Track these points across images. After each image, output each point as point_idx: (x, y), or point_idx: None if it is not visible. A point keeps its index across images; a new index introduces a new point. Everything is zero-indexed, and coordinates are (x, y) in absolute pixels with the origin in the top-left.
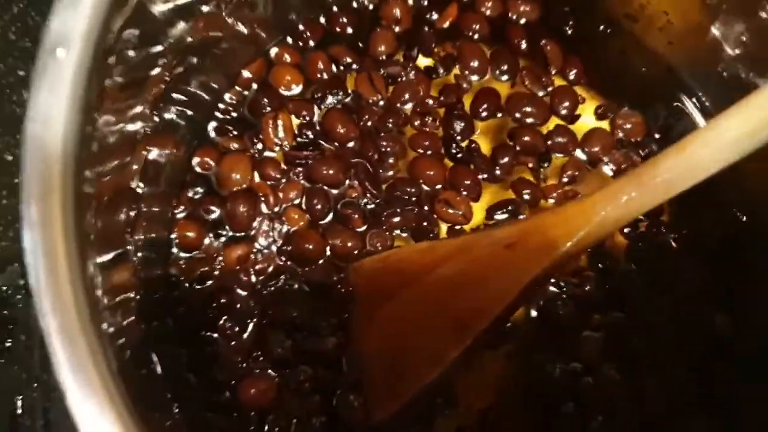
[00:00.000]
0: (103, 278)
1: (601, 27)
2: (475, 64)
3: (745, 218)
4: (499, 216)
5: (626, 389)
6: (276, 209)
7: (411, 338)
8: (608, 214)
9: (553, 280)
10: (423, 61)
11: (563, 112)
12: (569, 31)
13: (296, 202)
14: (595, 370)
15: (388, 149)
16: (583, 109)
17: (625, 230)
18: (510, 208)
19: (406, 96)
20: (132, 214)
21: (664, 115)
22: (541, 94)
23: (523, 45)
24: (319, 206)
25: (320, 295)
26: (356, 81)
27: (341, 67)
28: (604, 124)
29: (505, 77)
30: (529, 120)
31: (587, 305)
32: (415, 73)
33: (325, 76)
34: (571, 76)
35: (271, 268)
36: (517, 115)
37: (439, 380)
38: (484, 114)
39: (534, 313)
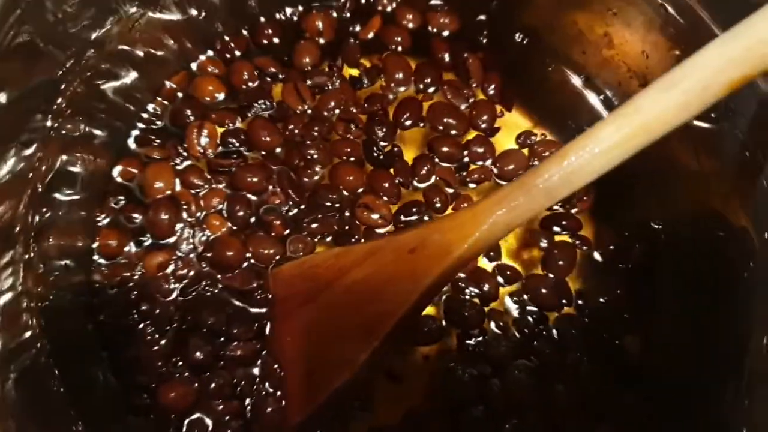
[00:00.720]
0: None
1: (518, 37)
2: (400, 75)
3: (663, 233)
4: (406, 219)
5: (536, 393)
6: (198, 216)
7: (324, 342)
8: (497, 219)
9: (462, 285)
10: (349, 71)
11: (482, 125)
12: (484, 41)
13: (218, 209)
14: (503, 373)
15: (314, 156)
16: (506, 130)
17: (543, 243)
18: (414, 210)
19: (332, 104)
20: (36, 219)
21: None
22: (463, 106)
23: (446, 58)
24: (241, 213)
25: (240, 302)
26: (283, 91)
27: (267, 77)
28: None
29: (430, 90)
30: (451, 131)
31: (494, 309)
32: (340, 82)
33: (251, 85)
34: (490, 91)
35: (191, 275)
36: (439, 126)
37: (353, 382)
38: (407, 123)
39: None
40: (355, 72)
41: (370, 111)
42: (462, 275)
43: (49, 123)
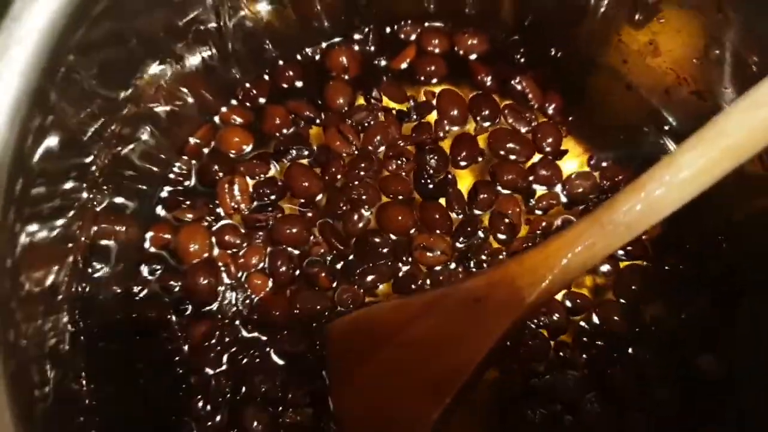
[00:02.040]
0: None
1: (553, 51)
2: (455, 113)
3: (729, 247)
4: (460, 244)
5: (613, 425)
6: (239, 276)
7: (390, 401)
8: (571, 261)
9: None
10: (392, 105)
11: (548, 148)
12: (522, 59)
13: (260, 267)
14: (575, 408)
15: (362, 198)
16: (573, 155)
17: (605, 269)
18: (469, 229)
19: (378, 138)
20: (79, 290)
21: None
22: (524, 130)
23: (489, 81)
24: (283, 268)
25: (292, 364)
26: (327, 137)
27: (302, 122)
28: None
29: (487, 123)
30: (513, 156)
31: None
32: (383, 114)
33: (285, 131)
34: (550, 111)
35: (238, 341)
36: (501, 152)
37: None
38: (462, 163)
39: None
40: (400, 106)
41: (418, 141)
42: None
43: (85, 195)
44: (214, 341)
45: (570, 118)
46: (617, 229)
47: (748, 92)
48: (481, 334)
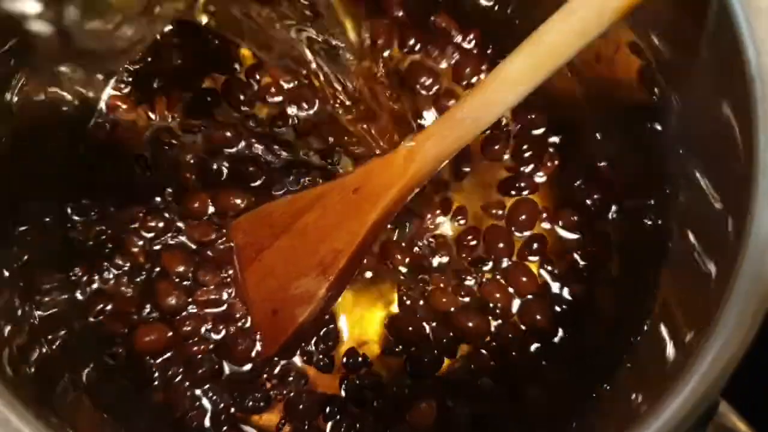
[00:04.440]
0: None
1: None
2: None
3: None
4: None
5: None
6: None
7: (285, 282)
8: (429, 151)
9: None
10: None
11: (464, 81)
12: None
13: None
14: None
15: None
16: None
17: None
18: None
19: None
20: None
21: None
22: (443, 65)
23: (400, 13)
24: (215, 166)
25: (204, 250)
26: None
27: None
28: None
29: (416, 48)
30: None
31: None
32: None
33: None
34: (469, 45)
35: (161, 225)
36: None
37: (314, 315)
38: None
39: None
40: None
41: None
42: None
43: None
44: (137, 225)
45: (488, 51)
46: (465, 122)
47: (562, 6)
48: (358, 219)
